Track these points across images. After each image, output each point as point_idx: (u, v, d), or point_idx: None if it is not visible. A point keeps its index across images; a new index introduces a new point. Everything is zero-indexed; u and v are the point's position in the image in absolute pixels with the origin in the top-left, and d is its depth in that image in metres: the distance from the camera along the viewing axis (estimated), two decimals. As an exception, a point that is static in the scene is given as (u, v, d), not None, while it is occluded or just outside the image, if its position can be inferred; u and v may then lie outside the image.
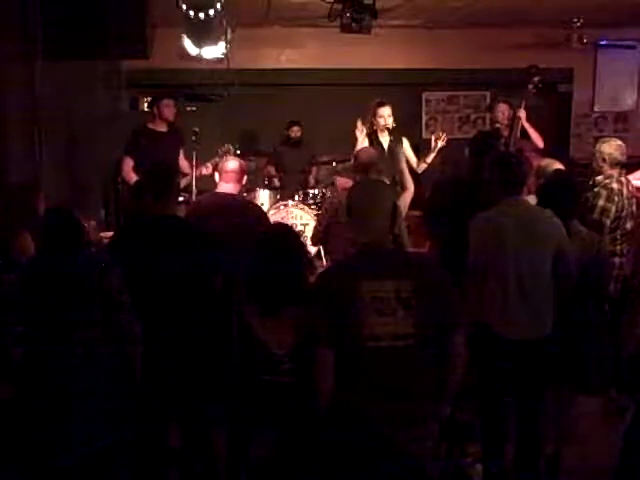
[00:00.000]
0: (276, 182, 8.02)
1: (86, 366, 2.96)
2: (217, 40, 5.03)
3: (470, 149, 4.56)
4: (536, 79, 5.76)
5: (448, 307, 2.65)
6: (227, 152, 5.75)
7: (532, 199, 3.87)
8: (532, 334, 3.45)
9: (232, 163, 4.37)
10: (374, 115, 5.66)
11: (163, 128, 6.00)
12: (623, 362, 4.32)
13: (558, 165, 4.42)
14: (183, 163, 6.02)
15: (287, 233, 3.12)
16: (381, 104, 5.68)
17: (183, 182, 5.77)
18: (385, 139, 5.66)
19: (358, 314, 2.54)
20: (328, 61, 8.16)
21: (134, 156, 5.76)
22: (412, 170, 5.79)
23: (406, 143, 5.78)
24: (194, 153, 5.81)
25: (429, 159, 5.79)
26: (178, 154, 5.99)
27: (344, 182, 7.57)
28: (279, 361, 2.88)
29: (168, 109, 5.96)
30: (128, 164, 5.82)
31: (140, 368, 3.19)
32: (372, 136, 5.63)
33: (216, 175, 4.48)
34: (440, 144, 5.73)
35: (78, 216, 3.17)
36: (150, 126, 6.03)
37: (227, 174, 4.32)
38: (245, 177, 4.42)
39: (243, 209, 4.38)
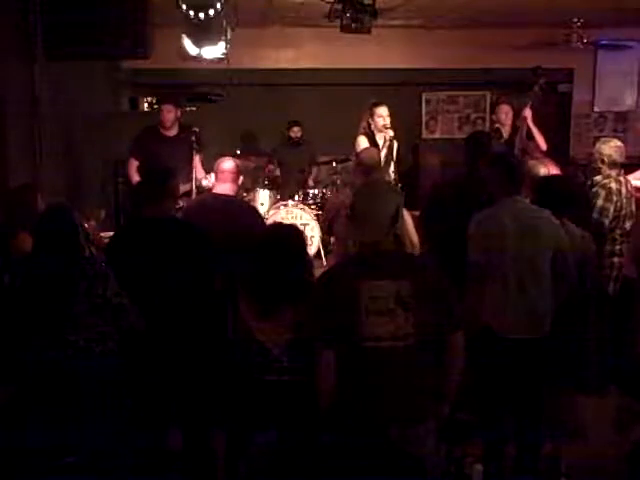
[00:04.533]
0: (276, 182, 8.03)
1: (82, 367, 2.95)
2: (217, 40, 5.01)
3: (464, 150, 4.55)
4: (542, 80, 5.76)
5: (447, 307, 2.65)
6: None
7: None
8: (531, 333, 3.45)
9: (228, 163, 4.38)
10: (372, 115, 5.66)
11: (171, 132, 5.87)
12: (631, 366, 4.34)
13: (543, 169, 4.43)
14: (198, 169, 5.67)
15: (290, 234, 3.12)
16: (378, 104, 5.67)
17: (184, 188, 5.69)
18: (383, 139, 5.65)
19: (358, 315, 2.54)
20: (328, 61, 8.16)
21: (139, 157, 5.72)
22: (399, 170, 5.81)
23: (395, 148, 5.77)
24: (194, 155, 5.77)
25: None
26: (186, 159, 5.66)
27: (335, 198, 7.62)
28: (277, 360, 2.88)
29: (165, 114, 5.82)
30: (132, 165, 5.78)
31: (139, 368, 3.19)
32: (370, 136, 5.63)
33: (212, 176, 4.50)
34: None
35: (75, 216, 3.15)
36: (159, 128, 5.91)
37: (223, 174, 4.35)
38: (241, 177, 4.44)
39: (238, 210, 4.40)
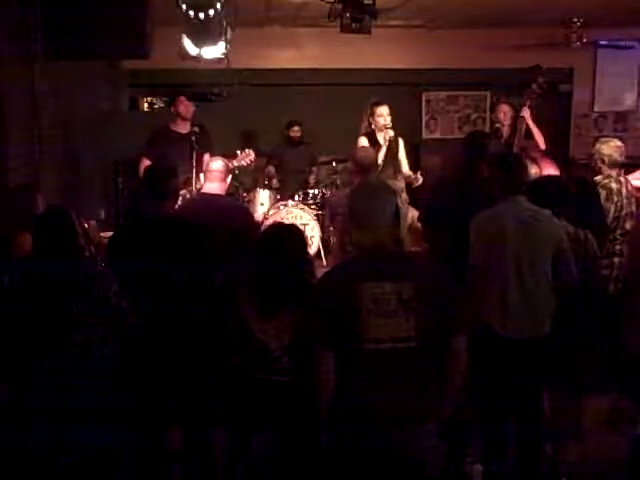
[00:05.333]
0: (276, 182, 8.03)
1: (82, 367, 2.95)
2: (217, 40, 5.01)
3: (463, 150, 4.55)
4: (540, 79, 5.76)
5: (449, 309, 2.64)
6: (247, 157, 5.72)
7: None
8: (532, 333, 3.45)
9: (216, 163, 4.45)
10: (372, 115, 5.66)
11: (184, 130, 5.92)
12: (624, 365, 4.33)
13: (534, 169, 4.43)
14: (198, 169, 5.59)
15: (290, 233, 3.11)
16: (378, 103, 5.68)
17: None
18: (383, 138, 5.65)
19: (359, 316, 2.53)
20: (328, 61, 8.17)
21: (150, 156, 5.72)
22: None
23: (402, 145, 5.77)
24: (194, 154, 5.78)
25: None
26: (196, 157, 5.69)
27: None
28: (277, 360, 2.88)
29: (182, 106, 5.93)
30: (144, 164, 5.77)
31: (139, 368, 3.19)
32: (371, 136, 5.64)
33: (201, 176, 4.57)
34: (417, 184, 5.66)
35: (74, 217, 3.15)
36: (171, 127, 5.98)
37: (211, 173, 4.41)
38: (229, 176, 4.51)
39: (229, 209, 4.45)
